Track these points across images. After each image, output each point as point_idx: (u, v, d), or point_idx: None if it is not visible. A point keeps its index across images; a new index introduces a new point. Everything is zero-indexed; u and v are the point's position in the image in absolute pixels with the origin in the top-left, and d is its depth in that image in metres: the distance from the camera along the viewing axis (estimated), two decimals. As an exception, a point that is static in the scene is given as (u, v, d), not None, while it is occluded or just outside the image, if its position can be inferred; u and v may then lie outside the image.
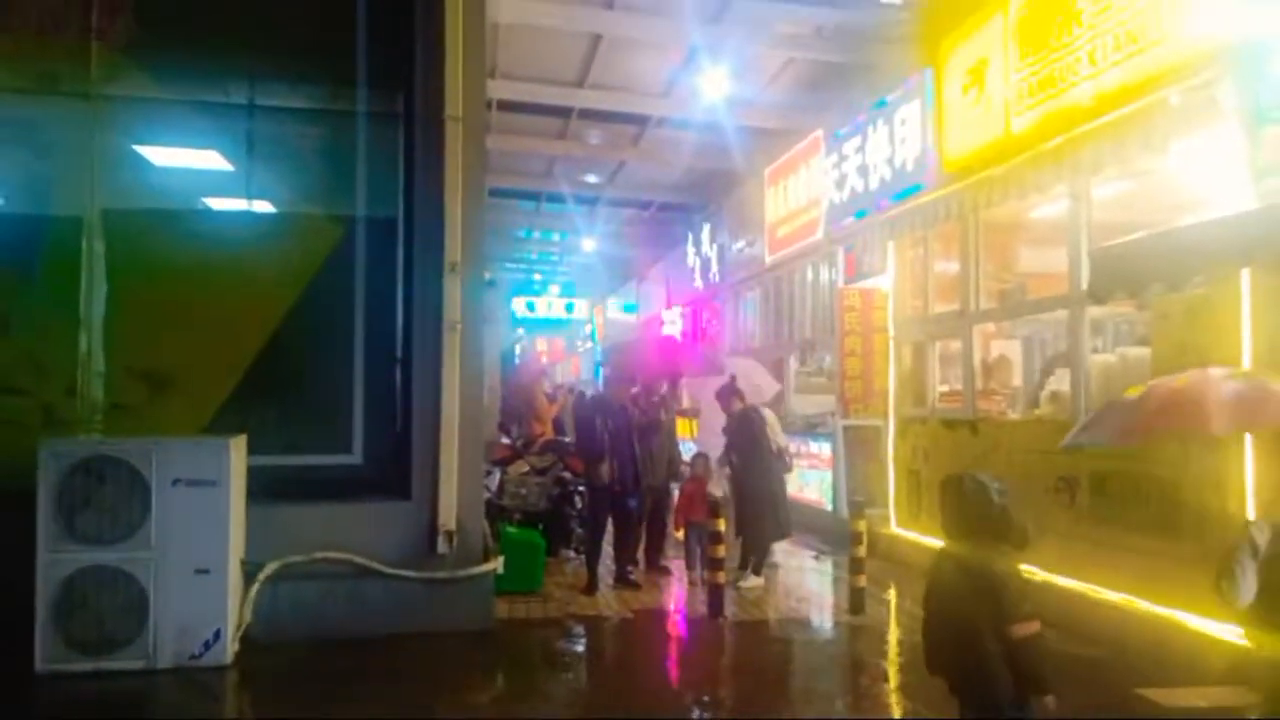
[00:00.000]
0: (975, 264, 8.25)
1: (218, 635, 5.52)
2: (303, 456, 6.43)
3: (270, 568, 5.91)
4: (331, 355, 6.65)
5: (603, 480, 7.52)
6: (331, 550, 6.09)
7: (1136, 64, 6.05)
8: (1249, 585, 3.41)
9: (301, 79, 6.92)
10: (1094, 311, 6.87)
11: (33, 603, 5.24)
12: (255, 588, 5.84)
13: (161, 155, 7.01)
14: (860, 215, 10.33)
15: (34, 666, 5.21)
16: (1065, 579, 6.55)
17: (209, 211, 7.08)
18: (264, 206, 7.00)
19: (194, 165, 7.14)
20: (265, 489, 5.97)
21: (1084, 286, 6.73)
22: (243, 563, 5.79)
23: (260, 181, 6.86)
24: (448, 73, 6.49)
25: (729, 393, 8.49)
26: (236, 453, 5.70)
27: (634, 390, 8.23)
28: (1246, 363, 5.16)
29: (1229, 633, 5.18)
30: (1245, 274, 5.04)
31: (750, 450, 8.03)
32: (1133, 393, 4.22)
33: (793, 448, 11.31)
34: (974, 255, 8.27)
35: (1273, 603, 3.38)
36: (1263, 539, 3.44)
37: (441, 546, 6.30)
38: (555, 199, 18.26)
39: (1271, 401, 3.72)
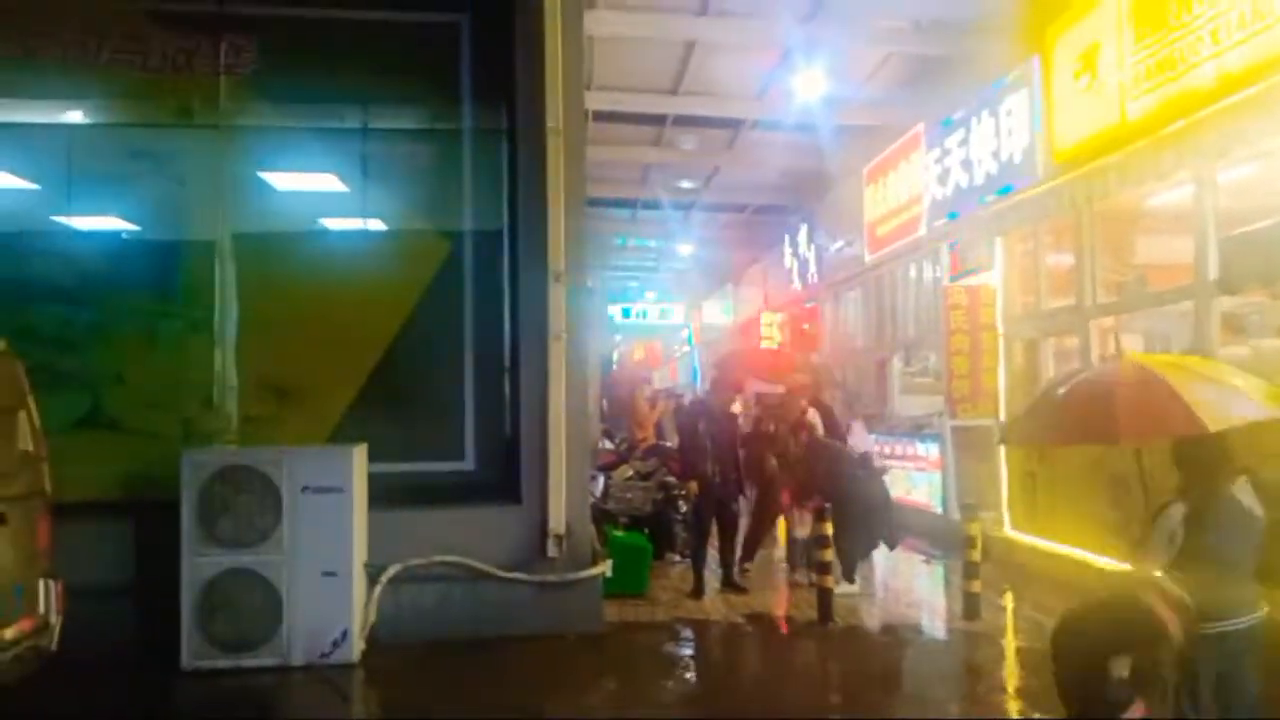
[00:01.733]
0: (1090, 256, 7.95)
1: (345, 635, 5.79)
2: (419, 464, 6.68)
3: (391, 570, 6.15)
4: (443, 365, 6.90)
5: (695, 491, 7.56)
6: (448, 554, 6.31)
7: (1262, 41, 5.73)
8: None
9: (409, 100, 7.23)
10: (1224, 302, 6.52)
11: (178, 604, 5.61)
12: (378, 590, 6.10)
13: (284, 180, 7.41)
14: (953, 216, 10.08)
15: (180, 663, 5.58)
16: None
17: (328, 232, 7.44)
18: (378, 225, 7.33)
19: (313, 188, 7.52)
20: (385, 495, 6.23)
21: (1211, 276, 6.43)
22: (366, 566, 6.06)
23: (374, 201, 7.18)
24: (548, 86, 6.65)
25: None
26: (359, 460, 5.97)
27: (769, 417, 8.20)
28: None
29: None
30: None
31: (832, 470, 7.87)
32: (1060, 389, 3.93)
33: (899, 450, 11.14)
34: (1088, 247, 7.96)
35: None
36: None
37: (552, 550, 6.45)
38: (650, 205, 18.38)
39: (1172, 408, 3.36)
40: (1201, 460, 3.50)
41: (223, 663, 5.63)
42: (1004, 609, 7.16)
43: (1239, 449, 3.70)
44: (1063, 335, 8.56)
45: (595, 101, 11.69)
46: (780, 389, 8.95)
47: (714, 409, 7.88)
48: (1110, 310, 8.11)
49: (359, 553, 5.95)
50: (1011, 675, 5.77)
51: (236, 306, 6.69)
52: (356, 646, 5.83)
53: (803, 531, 7.86)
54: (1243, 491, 3.57)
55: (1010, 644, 6.36)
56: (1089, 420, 3.60)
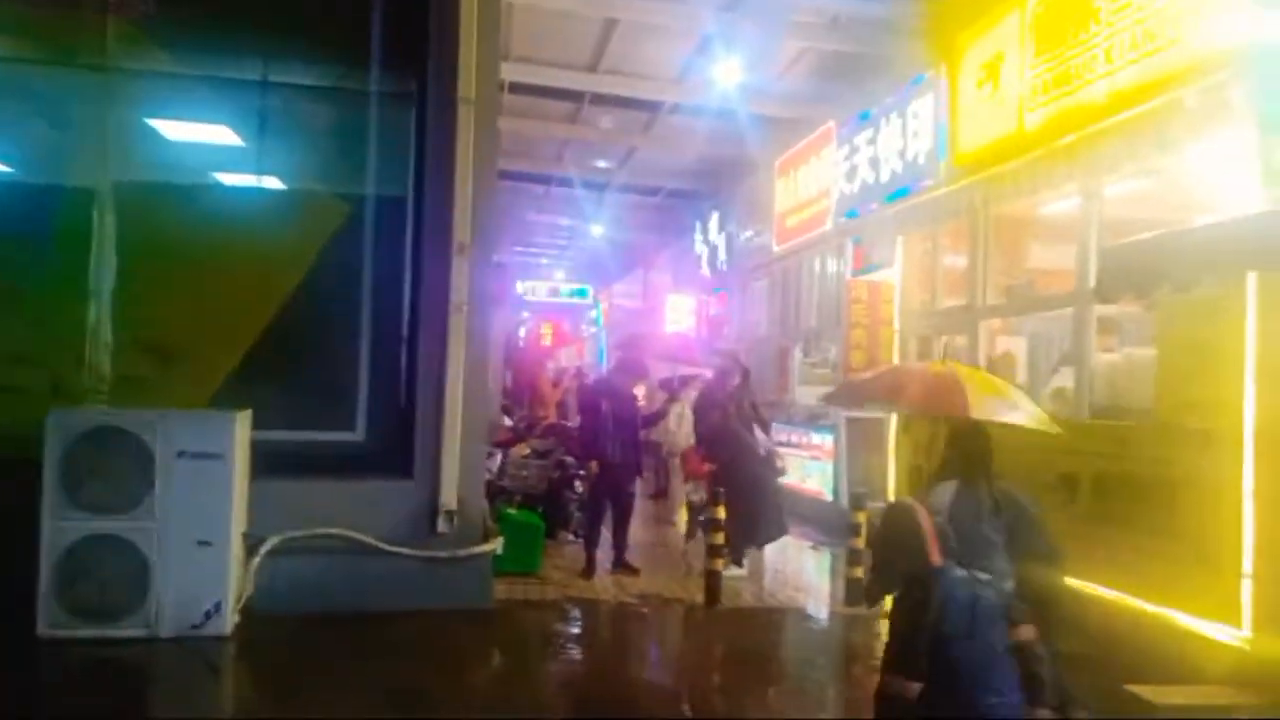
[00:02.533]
0: (984, 259, 8.24)
1: (218, 606, 5.57)
2: (306, 433, 6.46)
3: (271, 542, 5.95)
4: (337, 333, 6.68)
5: (594, 471, 7.56)
6: (332, 526, 6.14)
7: (1152, 63, 6.02)
8: None
9: (315, 57, 6.92)
10: (1107, 310, 6.85)
11: (36, 569, 5.30)
12: (256, 561, 5.89)
13: (174, 129, 7.03)
14: (855, 213, 10.32)
15: (35, 630, 5.27)
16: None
17: (220, 187, 7.11)
18: (274, 183, 7.03)
19: (206, 140, 7.15)
20: (268, 464, 6.01)
21: (1092, 284, 6.75)
22: (244, 536, 5.84)
23: (271, 158, 6.89)
24: (461, 54, 6.49)
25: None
26: (241, 427, 5.74)
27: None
28: (1250, 364, 5.16)
29: (1224, 633, 5.21)
30: (1252, 277, 5.03)
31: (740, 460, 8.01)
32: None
33: (795, 438, 11.38)
34: (983, 250, 8.25)
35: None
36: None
37: (442, 526, 6.35)
38: (564, 183, 18.25)
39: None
40: (965, 452, 3.79)
41: (84, 632, 5.34)
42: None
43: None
44: (954, 334, 8.85)
45: (512, 73, 11.51)
46: (699, 372, 9.06)
47: (618, 390, 7.87)
48: (999, 312, 8.44)
49: (237, 522, 5.72)
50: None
51: (115, 259, 6.32)
52: (230, 619, 5.62)
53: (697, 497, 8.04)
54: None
55: (886, 627, 6.55)
56: (886, 390, 4.20)
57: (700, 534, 7.99)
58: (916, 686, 3.06)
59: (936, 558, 2.98)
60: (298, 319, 6.52)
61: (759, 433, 8.15)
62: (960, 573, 2.97)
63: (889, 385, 4.26)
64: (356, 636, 5.70)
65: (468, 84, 6.52)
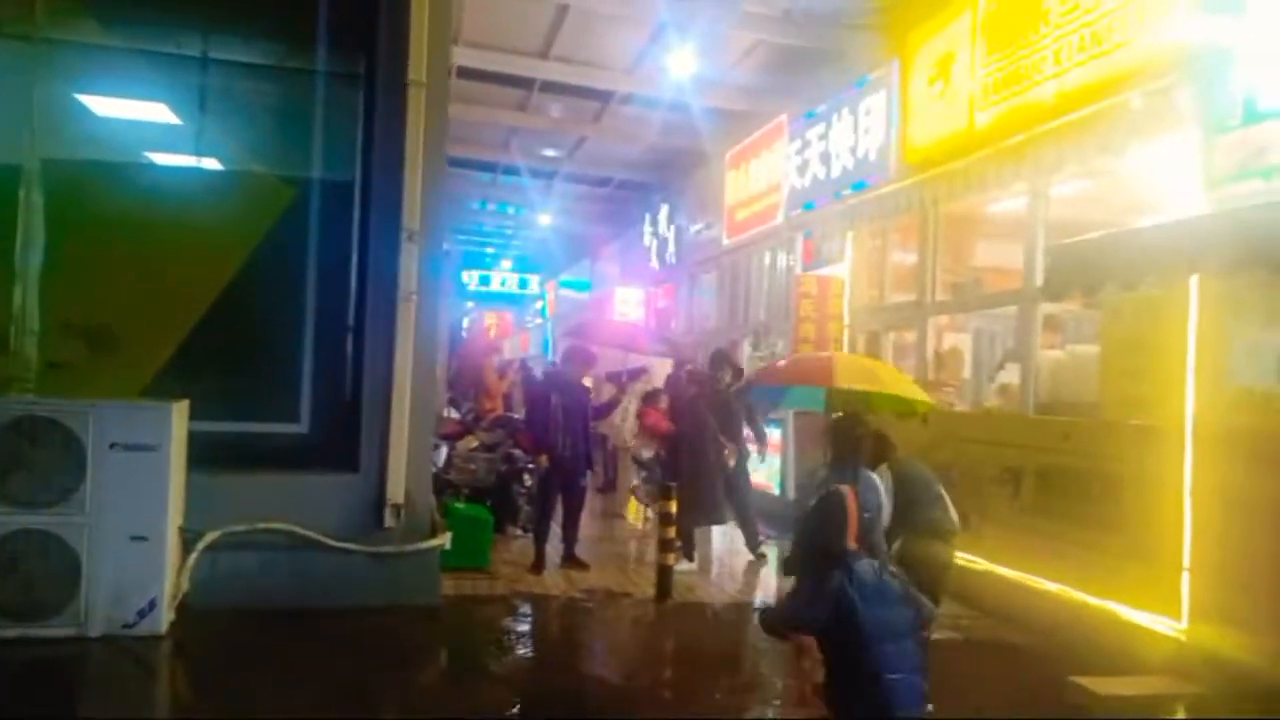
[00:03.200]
0: (933, 256, 8.34)
1: (153, 604, 5.37)
2: (247, 424, 6.27)
3: (210, 536, 5.75)
4: (280, 321, 6.49)
5: (544, 466, 7.47)
6: (274, 520, 5.95)
7: (1100, 65, 6.13)
8: None
9: (258, 34, 6.69)
10: (1051, 308, 6.98)
11: (-43, 566, 5.04)
12: (194, 556, 5.69)
13: (108, 106, 6.73)
14: (810, 206, 10.37)
15: (-44, 632, 5.01)
16: (1005, 569, 6.69)
17: (157, 166, 6.82)
18: (215, 164, 6.78)
19: (142, 117, 6.86)
20: (207, 456, 5.81)
21: (1038, 282, 6.86)
22: (181, 530, 5.63)
23: (211, 138, 6.64)
24: (412, 36, 6.32)
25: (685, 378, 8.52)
26: (178, 417, 5.53)
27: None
28: (1191, 363, 5.30)
29: (1164, 625, 5.35)
30: (1194, 277, 5.16)
31: (695, 439, 8.06)
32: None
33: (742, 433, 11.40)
34: (932, 247, 8.35)
35: None
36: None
37: (388, 520, 6.20)
38: (512, 171, 18.00)
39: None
40: (847, 441, 4.57)
41: (8, 632, 5.08)
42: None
43: (887, 443, 5.06)
44: (903, 329, 8.95)
45: (463, 58, 11.28)
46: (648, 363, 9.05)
47: (567, 381, 7.78)
48: (947, 309, 8.55)
49: (173, 516, 5.51)
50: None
51: (43, 240, 6.02)
52: (165, 617, 5.41)
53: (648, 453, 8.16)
54: (880, 474, 4.66)
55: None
56: (772, 373, 5.68)
57: (647, 506, 7.96)
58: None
59: (852, 543, 3.14)
60: (239, 306, 6.31)
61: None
62: (867, 561, 3.16)
63: (775, 368, 5.74)
64: (299, 634, 5.54)
65: (418, 66, 6.36)
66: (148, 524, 5.37)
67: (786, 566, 3.71)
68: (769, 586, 7.83)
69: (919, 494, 4.76)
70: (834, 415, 5.29)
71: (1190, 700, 4.75)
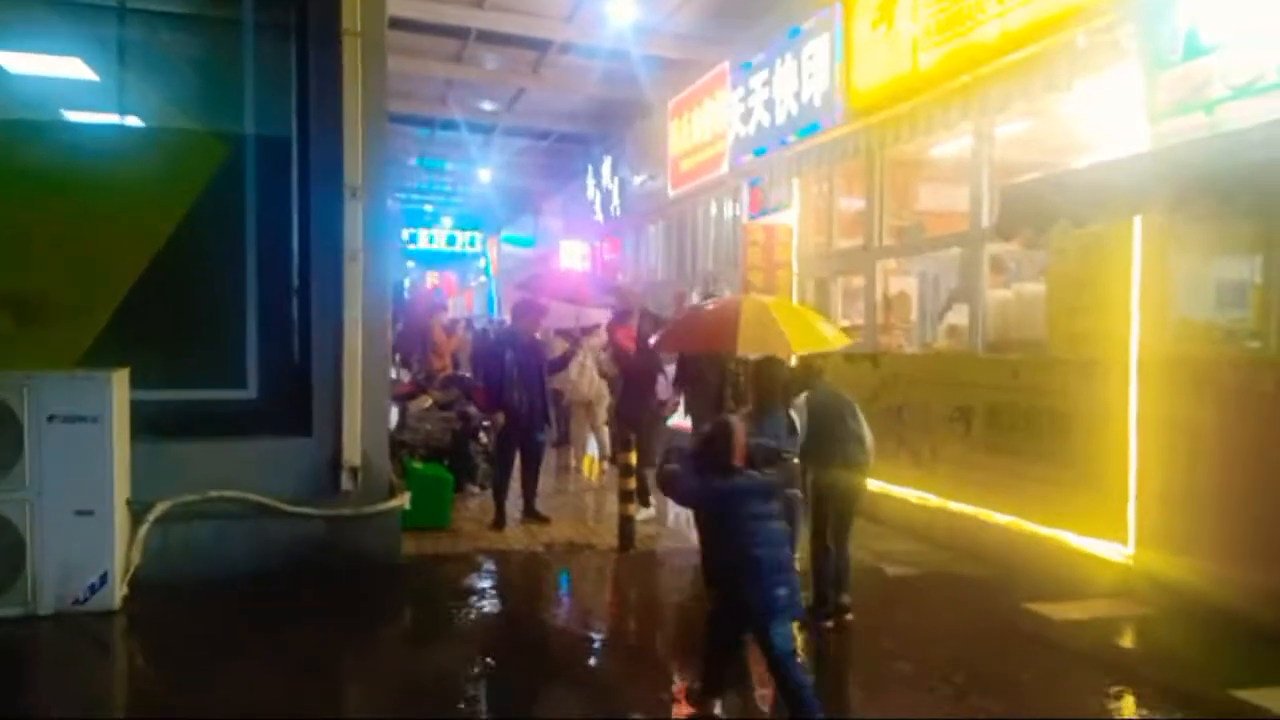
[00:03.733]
0: (880, 201, 8.39)
1: (104, 579, 5.23)
2: (192, 391, 6.09)
3: (160, 508, 5.60)
4: (221, 283, 6.27)
5: (500, 422, 7.40)
6: (227, 489, 5.82)
7: (1043, 4, 6.15)
8: None
9: (179, -18, 6.36)
10: (993, 248, 7.08)
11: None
12: (144, 529, 5.54)
13: (20, 62, 6.35)
14: (762, 151, 10.33)
15: (-105, 617, 4.82)
16: (958, 504, 6.87)
17: (79, 125, 6.48)
18: (140, 122, 6.46)
19: (59, 74, 6.49)
20: (152, 426, 5.64)
21: (984, 224, 6.96)
22: (129, 503, 5.47)
23: (135, 93, 6.33)
24: (345, -17, 6.07)
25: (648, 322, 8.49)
26: (119, 387, 5.33)
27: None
28: (1135, 297, 5.43)
29: (1112, 551, 5.55)
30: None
31: (648, 384, 8.08)
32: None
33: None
34: (878, 192, 8.40)
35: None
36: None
37: (346, 483, 6.12)
38: (449, 125, 17.55)
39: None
40: (763, 385, 5.07)
41: (-50, 615, 4.92)
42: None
43: (812, 371, 5.48)
44: (851, 274, 9.03)
45: (395, 7, 10.76)
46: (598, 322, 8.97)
47: (520, 337, 7.68)
48: (894, 253, 8.64)
49: (120, 489, 5.34)
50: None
51: (-40, 207, 5.71)
52: (118, 591, 5.27)
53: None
54: (797, 408, 5.14)
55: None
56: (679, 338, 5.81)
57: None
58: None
59: (739, 460, 3.76)
60: (176, 269, 6.07)
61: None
62: (752, 474, 3.80)
63: (679, 332, 5.85)
64: (258, 602, 5.45)
65: (352, 15, 6.14)
66: (93, 497, 5.21)
67: (660, 476, 4.21)
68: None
69: (832, 425, 5.11)
70: (755, 358, 5.51)
71: (1139, 621, 4.95)
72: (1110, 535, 5.54)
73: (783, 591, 3.65)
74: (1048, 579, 5.66)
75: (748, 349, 5.29)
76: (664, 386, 8.27)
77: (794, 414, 5.07)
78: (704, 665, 3.93)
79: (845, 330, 5.98)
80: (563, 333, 11.09)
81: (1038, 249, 6.75)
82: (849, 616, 5.06)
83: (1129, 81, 5.53)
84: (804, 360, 5.54)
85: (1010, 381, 6.44)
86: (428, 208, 28.38)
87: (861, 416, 5.24)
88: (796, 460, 4.93)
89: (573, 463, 10.44)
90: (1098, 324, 5.71)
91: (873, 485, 7.80)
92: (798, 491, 5.00)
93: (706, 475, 3.78)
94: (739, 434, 3.81)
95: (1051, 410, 6.05)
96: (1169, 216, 4.42)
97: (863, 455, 5.15)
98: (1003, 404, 6.53)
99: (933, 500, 7.15)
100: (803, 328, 5.43)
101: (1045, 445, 6.09)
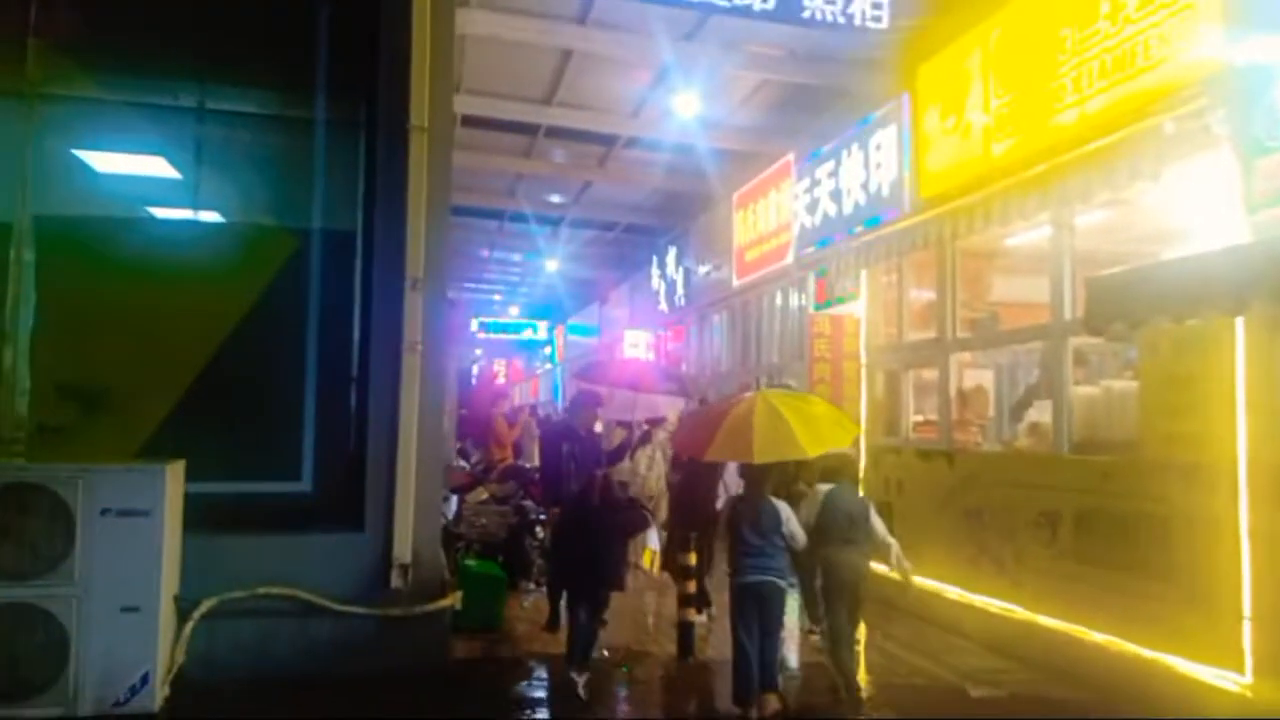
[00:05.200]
0: (952, 291, 8.10)
1: (145, 679, 5.06)
2: (247, 484, 6.00)
3: (206, 605, 5.45)
4: (281, 374, 6.26)
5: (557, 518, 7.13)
6: (276, 585, 5.66)
7: (1124, 90, 5.94)
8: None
9: (255, 83, 6.56)
10: (1075, 342, 6.70)
11: (-61, 644, 4.75)
12: (189, 626, 5.38)
13: (102, 160, 6.59)
14: (824, 243, 10.18)
15: (-64, 714, 4.71)
16: (1046, 618, 6.33)
17: (151, 220, 6.64)
18: (212, 216, 6.61)
19: (138, 171, 6.70)
20: (205, 519, 5.53)
21: (1067, 315, 6.60)
22: (176, 599, 5.33)
23: (209, 190, 6.47)
24: (413, 81, 6.20)
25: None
26: (173, 479, 5.26)
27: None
28: (1241, 396, 5.01)
29: (1224, 679, 4.99)
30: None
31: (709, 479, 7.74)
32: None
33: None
34: (950, 282, 8.11)
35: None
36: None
37: (396, 581, 5.91)
38: (518, 218, 17.93)
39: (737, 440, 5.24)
40: (753, 478, 5.44)
41: (-7, 714, 4.80)
42: (858, 640, 7.04)
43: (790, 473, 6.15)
44: (923, 367, 8.68)
45: (466, 105, 11.23)
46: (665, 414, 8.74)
47: (576, 428, 7.49)
48: (970, 345, 8.28)
49: (168, 585, 5.22)
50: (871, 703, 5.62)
51: (34, 298, 5.82)
52: (159, 693, 5.10)
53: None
54: (807, 499, 5.80)
55: (863, 679, 6.19)
56: (697, 444, 5.64)
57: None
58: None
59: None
60: (238, 360, 6.08)
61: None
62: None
63: (696, 437, 5.72)
64: (303, 706, 5.22)
65: (420, 111, 6.22)
66: (140, 594, 5.08)
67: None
68: (791, 638, 7.46)
69: (835, 522, 5.66)
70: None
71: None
72: (1223, 662, 4.98)
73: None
74: (1153, 707, 5.10)
75: (764, 458, 5.22)
76: (733, 482, 7.90)
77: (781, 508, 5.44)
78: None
79: (849, 425, 5.91)
80: (624, 425, 10.89)
81: (1127, 344, 6.36)
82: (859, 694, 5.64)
83: (1221, 168, 5.22)
84: (782, 471, 5.91)
85: (1101, 485, 5.98)
86: (496, 297, 28.90)
87: (876, 519, 5.76)
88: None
89: (631, 558, 10.08)
90: (1198, 424, 5.27)
91: (951, 592, 7.35)
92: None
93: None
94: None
95: (1149, 517, 5.56)
96: (1271, 308, 4.05)
97: (868, 548, 5.73)
98: (1093, 509, 6.05)
99: (1018, 612, 6.61)
100: (813, 428, 5.31)
101: (1143, 556, 5.59)
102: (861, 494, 5.84)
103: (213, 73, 6.40)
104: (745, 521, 5.34)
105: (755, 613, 5.28)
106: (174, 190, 6.60)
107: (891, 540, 5.85)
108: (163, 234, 6.51)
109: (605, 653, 6.48)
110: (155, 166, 6.62)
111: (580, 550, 5.93)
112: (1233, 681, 4.94)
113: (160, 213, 6.71)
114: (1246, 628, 4.90)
